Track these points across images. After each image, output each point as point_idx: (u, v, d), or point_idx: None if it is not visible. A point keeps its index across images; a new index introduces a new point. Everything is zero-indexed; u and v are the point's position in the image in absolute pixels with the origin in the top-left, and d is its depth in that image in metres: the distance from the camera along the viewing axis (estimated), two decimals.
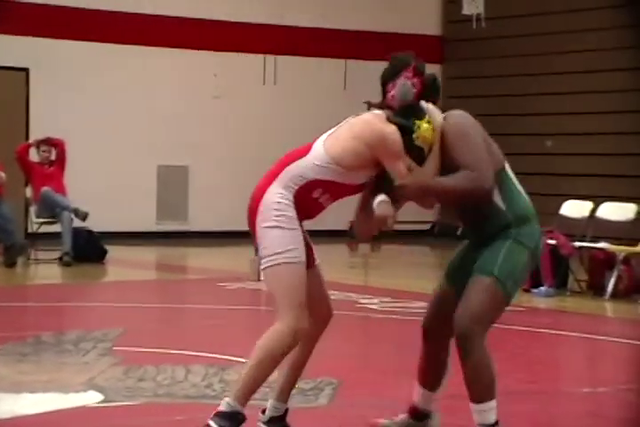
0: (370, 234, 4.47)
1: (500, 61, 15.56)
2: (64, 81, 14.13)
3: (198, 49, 14.95)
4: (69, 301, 9.33)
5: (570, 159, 14.54)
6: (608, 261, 9.73)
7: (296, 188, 4.25)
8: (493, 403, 4.12)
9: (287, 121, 15.46)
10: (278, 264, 4.15)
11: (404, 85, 4.30)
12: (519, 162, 15.93)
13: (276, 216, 4.24)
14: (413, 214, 17.63)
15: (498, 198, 4.24)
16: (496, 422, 4.12)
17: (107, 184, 14.15)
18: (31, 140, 12.53)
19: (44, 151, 12.05)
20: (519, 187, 4.37)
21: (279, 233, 4.22)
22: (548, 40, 14.77)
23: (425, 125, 4.18)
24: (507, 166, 4.36)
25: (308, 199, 4.28)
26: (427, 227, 16.47)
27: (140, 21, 14.62)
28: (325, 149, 4.23)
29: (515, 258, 4.20)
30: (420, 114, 4.21)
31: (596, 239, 10.06)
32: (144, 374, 5.53)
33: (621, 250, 9.64)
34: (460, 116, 4.26)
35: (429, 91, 4.32)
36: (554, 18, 14.69)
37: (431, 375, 4.45)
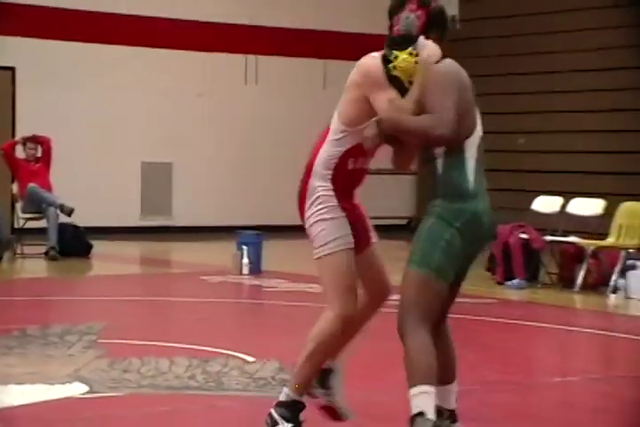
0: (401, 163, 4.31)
1: (473, 61, 15.52)
2: (50, 80, 14.06)
3: (182, 49, 14.90)
4: (55, 295, 9.28)
5: (541, 157, 14.58)
6: (578, 254, 9.77)
7: (332, 172, 4.26)
8: (425, 388, 3.87)
9: (269, 119, 15.45)
10: (325, 255, 4.17)
11: (408, 18, 4.18)
12: (492, 159, 15.93)
13: (319, 210, 4.24)
14: (391, 210, 17.77)
15: (440, 163, 4.03)
16: (419, 414, 3.85)
17: (92, 180, 14.10)
18: (17, 138, 12.48)
19: (30, 148, 12.00)
20: (471, 165, 4.05)
21: (322, 226, 4.21)
22: (518, 42, 14.79)
23: (404, 56, 4.05)
24: (472, 141, 4.08)
25: (346, 174, 4.27)
26: (404, 222, 16.50)
27: (126, 22, 14.56)
28: (337, 119, 4.25)
29: (435, 235, 4.01)
30: (404, 46, 4.08)
31: (566, 234, 10.10)
32: (128, 366, 5.50)
33: (590, 244, 9.68)
34: (450, 68, 4.10)
35: (434, 23, 4.16)
36: (527, 19, 14.72)
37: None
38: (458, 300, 8.00)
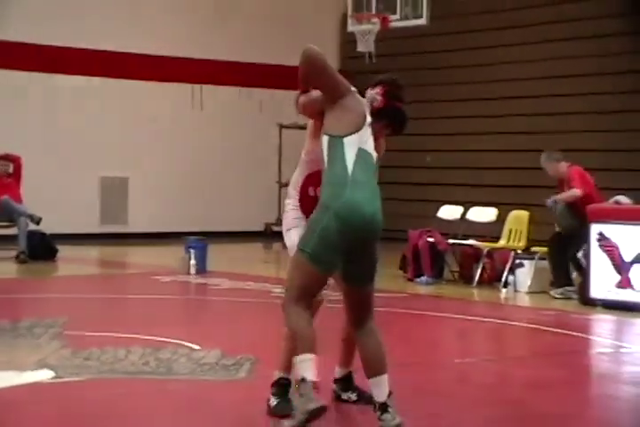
0: None
1: None
2: (18, 106, 13.85)
3: (137, 79, 14.80)
4: (24, 293, 9.13)
5: (445, 172, 14.76)
6: (475, 255, 9.89)
7: (298, 194, 4.32)
8: (306, 356, 3.81)
9: (212, 140, 15.41)
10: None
11: (371, 95, 4.26)
12: (403, 173, 16.17)
13: (288, 222, 4.36)
14: None
15: (324, 157, 3.99)
16: (302, 379, 3.80)
17: (57, 193, 13.91)
18: None
19: (2, 165, 11.80)
20: (350, 160, 3.94)
21: (294, 232, 4.29)
22: (428, 74, 14.98)
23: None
24: (351, 141, 3.97)
25: (309, 200, 4.25)
26: None
27: (87, 55, 14.41)
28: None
29: (315, 221, 3.89)
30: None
31: (465, 237, 10.21)
32: (89, 355, 5.44)
33: (485, 246, 9.81)
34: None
35: (387, 113, 4.20)
36: (437, 55, 14.93)
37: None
38: (378, 294, 8.07)
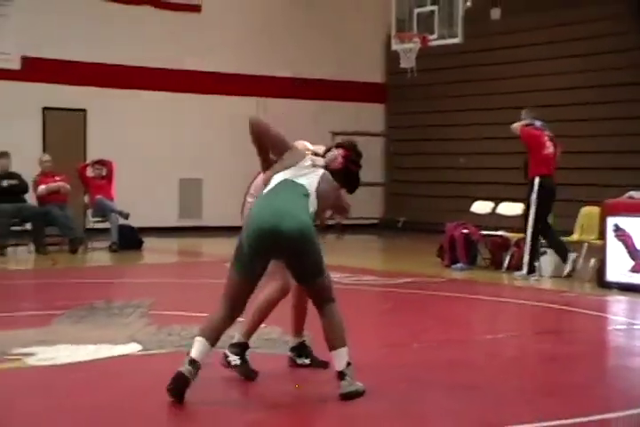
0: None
1: (427, 101, 15.64)
2: (111, 118, 14.07)
3: (210, 93, 14.94)
4: (116, 278, 9.28)
5: (477, 171, 14.65)
6: (504, 244, 9.79)
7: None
8: (198, 338, 4.00)
9: None
10: None
11: (333, 154, 4.29)
12: (441, 174, 16.08)
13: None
14: (366, 212, 17.71)
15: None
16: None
17: (143, 192, 14.09)
18: (88, 161, 12.46)
19: (97, 169, 12.00)
20: (271, 186, 4.15)
21: None
22: (463, 86, 14.89)
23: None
24: (281, 173, 4.16)
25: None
26: (375, 221, 16.52)
27: (176, 74, 14.60)
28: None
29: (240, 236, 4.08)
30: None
31: (496, 229, 10.12)
32: (171, 331, 5.50)
33: (513, 236, 9.71)
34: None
35: (345, 175, 4.24)
36: (467, 69, 14.82)
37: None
38: (417, 279, 8.01)
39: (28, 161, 11.71)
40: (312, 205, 4.11)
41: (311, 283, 4.07)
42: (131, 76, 14.27)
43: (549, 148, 8.90)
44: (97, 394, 4.12)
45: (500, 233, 9.90)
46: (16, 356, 4.79)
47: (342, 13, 16.17)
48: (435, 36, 12.88)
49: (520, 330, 6.39)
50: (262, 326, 5.68)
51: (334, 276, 8.78)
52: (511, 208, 10.33)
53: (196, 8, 14.87)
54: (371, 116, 16.56)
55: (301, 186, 4.14)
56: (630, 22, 12.71)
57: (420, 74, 13.20)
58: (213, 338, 4.01)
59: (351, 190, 4.35)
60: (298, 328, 4.68)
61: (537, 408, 3.97)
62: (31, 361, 4.70)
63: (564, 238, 9.20)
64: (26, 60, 13.37)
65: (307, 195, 4.12)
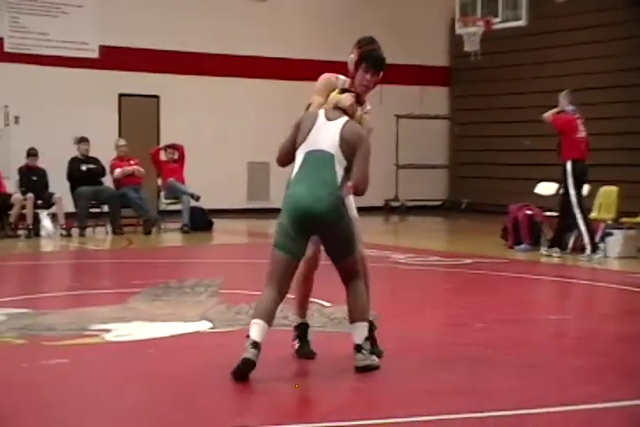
0: None
1: (491, 84, 15.37)
2: (182, 103, 14.21)
3: (276, 79, 14.95)
4: (188, 258, 9.41)
5: (541, 153, 14.34)
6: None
7: None
8: (255, 320, 4.02)
9: None
10: None
11: (350, 58, 4.26)
12: (505, 156, 15.80)
13: None
14: (430, 194, 17.56)
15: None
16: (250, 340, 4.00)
17: (214, 175, 14.22)
18: (161, 145, 12.64)
19: (169, 153, 12.15)
20: (297, 167, 4.12)
21: None
22: (527, 68, 14.58)
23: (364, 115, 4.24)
24: (303, 149, 4.11)
25: None
26: (439, 203, 16.36)
27: (244, 60, 14.66)
28: None
29: (279, 219, 4.09)
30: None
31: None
32: (240, 309, 5.52)
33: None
34: (306, 114, 4.26)
35: (363, 59, 4.18)
36: (531, 52, 14.50)
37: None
38: (480, 260, 7.94)
39: (105, 146, 11.94)
40: (340, 163, 4.05)
41: (342, 260, 4.11)
42: (201, 63, 14.38)
43: (582, 132, 8.80)
44: (169, 368, 4.18)
45: None
46: (94, 332, 4.89)
47: None
48: (499, 19, 12.63)
49: (586, 310, 6.26)
50: (327, 304, 5.72)
51: (399, 256, 8.81)
52: None
53: None
54: (435, 99, 16.35)
55: (322, 153, 4.07)
56: None
57: (484, 57, 12.98)
58: (269, 318, 4.05)
59: (379, 67, 4.28)
60: (302, 307, 4.54)
61: (602, 388, 3.87)
62: (109, 337, 4.79)
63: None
64: (103, 49, 13.59)
65: (331, 159, 4.05)
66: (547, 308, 6.48)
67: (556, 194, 9.71)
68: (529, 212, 9.74)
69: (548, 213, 9.76)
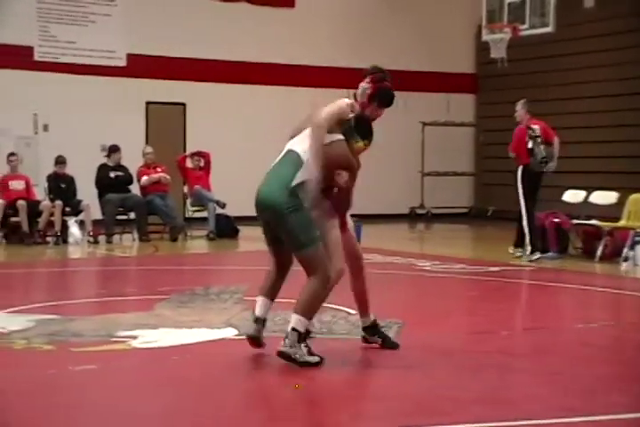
0: None
1: (518, 91, 15.27)
2: (208, 111, 14.33)
3: (296, 86, 15.03)
4: (213, 265, 9.45)
5: (568, 160, 14.23)
6: (597, 233, 9.51)
7: None
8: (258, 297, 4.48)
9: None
10: None
11: (362, 88, 4.39)
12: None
13: None
14: (456, 201, 17.50)
15: None
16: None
17: (238, 182, 14.25)
18: (187, 153, 12.73)
19: (195, 160, 12.24)
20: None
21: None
22: (554, 75, 14.51)
23: (361, 143, 4.47)
24: (287, 144, 4.47)
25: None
26: (465, 210, 16.31)
27: (270, 68, 14.76)
28: None
29: None
30: (367, 134, 4.47)
31: (588, 218, 9.85)
32: None
33: (606, 225, 9.43)
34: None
35: (377, 96, 4.39)
36: (558, 59, 14.44)
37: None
38: (507, 268, 7.91)
39: (132, 153, 12.07)
40: (305, 170, 4.27)
41: (295, 255, 4.36)
42: (227, 71, 14.50)
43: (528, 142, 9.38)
44: (195, 375, 4.23)
45: (592, 222, 9.62)
46: (121, 338, 4.95)
47: (433, 5, 15.98)
48: (526, 25, 12.60)
49: (612, 319, 6.21)
50: (353, 312, 5.72)
51: (424, 264, 8.80)
52: (605, 197, 10.04)
53: (289, 3, 14.97)
54: (461, 106, 16.33)
55: (293, 152, 4.35)
56: None
57: (510, 63, 12.94)
58: (267, 293, 4.61)
59: (389, 104, 4.50)
60: (363, 309, 4.69)
61: (629, 398, 3.85)
62: (135, 343, 4.85)
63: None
64: (130, 57, 13.76)
65: (297, 160, 4.30)
66: (572, 316, 6.44)
67: (584, 201, 9.80)
68: (556, 219, 9.69)
69: (576, 221, 9.71)
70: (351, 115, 4.36)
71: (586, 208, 10.15)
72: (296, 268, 4.67)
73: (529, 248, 9.21)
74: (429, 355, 4.57)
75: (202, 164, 12.19)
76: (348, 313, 5.70)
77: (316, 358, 4.25)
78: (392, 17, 15.69)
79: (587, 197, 10.26)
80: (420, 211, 15.82)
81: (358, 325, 5.31)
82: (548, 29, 12.48)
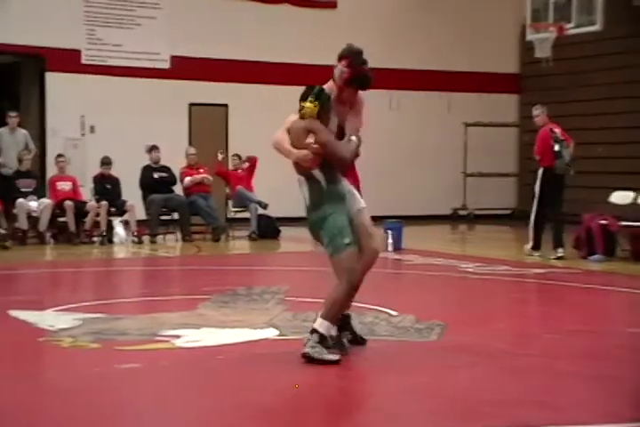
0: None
1: (562, 91, 15.10)
2: (250, 112, 14.40)
3: None
4: (255, 265, 9.51)
5: (615, 161, 14.03)
6: None
7: None
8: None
9: (406, 137, 15.40)
10: None
11: (339, 70, 4.40)
12: (578, 163, 15.54)
13: None
14: (499, 203, 17.33)
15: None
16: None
17: (281, 183, 14.31)
18: (219, 157, 12.07)
19: (240, 163, 12.29)
20: None
21: None
22: (600, 75, 14.30)
23: (306, 104, 4.31)
24: None
25: None
26: (509, 212, 16.14)
27: (311, 70, 14.70)
28: None
29: None
30: (309, 96, 4.33)
31: (636, 220, 9.67)
32: (307, 317, 5.54)
33: None
34: None
35: (354, 80, 4.36)
36: (599, 59, 14.23)
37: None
38: (553, 270, 7.81)
39: (175, 154, 12.19)
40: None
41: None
42: (269, 72, 14.56)
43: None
44: (237, 374, 4.25)
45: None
46: (165, 337, 5.00)
47: (476, 4, 15.86)
48: (572, 24, 12.42)
49: None
50: (394, 313, 5.72)
51: (467, 265, 8.72)
52: None
53: (331, 4, 14.99)
54: (505, 106, 16.18)
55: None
56: None
57: (555, 63, 12.78)
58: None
59: (367, 88, 4.51)
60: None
61: None
62: (179, 343, 4.89)
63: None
64: (174, 60, 13.91)
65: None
66: (619, 319, 6.33)
67: (633, 203, 9.66)
68: (603, 221, 9.54)
69: (623, 223, 9.54)
70: (331, 94, 4.34)
71: (635, 210, 9.97)
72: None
73: (531, 243, 9.58)
74: (472, 356, 4.53)
75: (245, 166, 12.24)
76: (390, 315, 5.69)
77: (335, 356, 4.34)
78: (435, 17, 15.62)
79: (635, 198, 10.08)
80: (462, 212, 15.70)
81: (401, 326, 5.30)
82: (596, 28, 12.29)
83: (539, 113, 9.73)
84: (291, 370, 4.19)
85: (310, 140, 4.26)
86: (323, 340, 4.34)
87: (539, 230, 9.60)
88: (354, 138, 4.35)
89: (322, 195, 4.37)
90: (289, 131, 4.44)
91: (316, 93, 4.30)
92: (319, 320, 4.38)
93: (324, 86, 4.48)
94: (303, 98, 4.37)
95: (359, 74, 4.36)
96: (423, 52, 15.56)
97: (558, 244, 9.49)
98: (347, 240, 4.36)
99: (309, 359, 4.31)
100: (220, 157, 12.10)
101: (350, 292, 4.43)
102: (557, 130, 9.66)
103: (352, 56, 4.36)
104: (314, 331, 4.36)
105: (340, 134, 4.40)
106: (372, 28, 15.25)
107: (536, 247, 9.59)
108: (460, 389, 3.97)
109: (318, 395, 3.97)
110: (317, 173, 4.32)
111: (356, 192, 4.50)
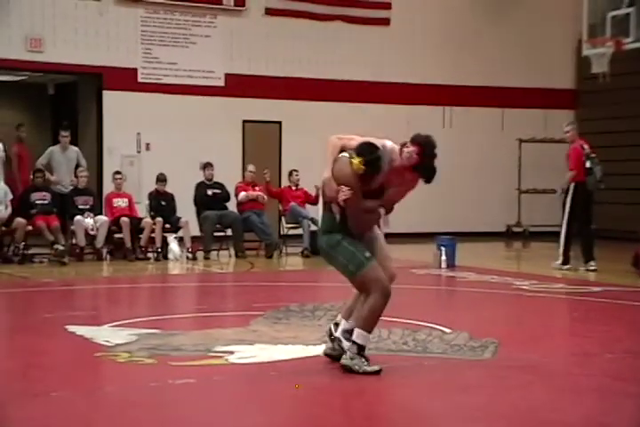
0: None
1: (619, 106, 14.88)
2: (303, 129, 14.49)
3: (392, 103, 15.03)
4: (308, 281, 9.51)
5: None
6: None
7: None
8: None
9: (460, 153, 15.28)
10: None
11: (408, 152, 4.44)
12: (630, 180, 15.26)
13: None
14: (553, 219, 17.08)
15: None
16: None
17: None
18: (267, 178, 12.02)
19: (297, 180, 12.37)
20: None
21: None
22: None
23: (355, 161, 4.46)
24: None
25: None
26: (556, 229, 15.87)
27: (364, 86, 14.85)
28: None
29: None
30: (365, 155, 4.45)
31: None
32: None
33: None
34: None
35: (421, 170, 4.45)
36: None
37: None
38: (611, 288, 7.67)
39: (229, 171, 12.32)
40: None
41: (351, 282, 4.62)
42: (322, 89, 14.65)
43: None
44: (291, 391, 4.26)
45: None
46: (219, 353, 5.04)
47: (531, 21, 15.76)
48: (630, 39, 12.23)
49: None
50: (448, 331, 5.67)
51: (521, 282, 8.60)
52: None
53: (384, 21, 15.04)
54: (560, 122, 15.90)
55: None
56: None
57: (613, 78, 12.58)
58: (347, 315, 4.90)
59: (428, 181, 4.56)
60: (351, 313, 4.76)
61: None
62: (232, 359, 4.92)
63: None
64: (228, 77, 14.11)
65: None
66: None
67: None
68: None
69: None
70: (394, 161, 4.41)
71: None
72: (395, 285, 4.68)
73: (561, 258, 9.74)
74: (528, 376, 4.46)
75: (300, 183, 12.28)
76: (443, 332, 5.65)
77: (374, 368, 4.44)
78: (489, 33, 15.55)
79: None
80: (516, 229, 15.51)
81: (454, 344, 5.25)
82: None
83: (569, 129, 10.05)
84: (344, 386, 4.18)
85: (344, 194, 4.42)
86: (361, 350, 4.46)
87: (568, 245, 9.77)
88: (381, 211, 4.47)
89: (334, 225, 4.53)
90: (339, 152, 4.53)
91: (369, 161, 4.39)
92: (356, 331, 4.48)
93: (388, 143, 4.50)
94: (358, 153, 4.39)
95: (426, 166, 4.45)
96: (477, 68, 15.48)
97: (589, 257, 9.59)
98: (367, 254, 4.52)
99: (348, 371, 4.41)
100: (267, 176, 12.09)
101: (385, 300, 4.53)
102: (587, 146, 9.82)
103: (425, 147, 4.42)
104: (353, 342, 4.47)
105: (378, 192, 4.45)
106: (424, 45, 15.27)
107: (565, 262, 9.77)
108: (518, 409, 3.91)
109: (373, 412, 3.94)
110: (336, 209, 4.40)
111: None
